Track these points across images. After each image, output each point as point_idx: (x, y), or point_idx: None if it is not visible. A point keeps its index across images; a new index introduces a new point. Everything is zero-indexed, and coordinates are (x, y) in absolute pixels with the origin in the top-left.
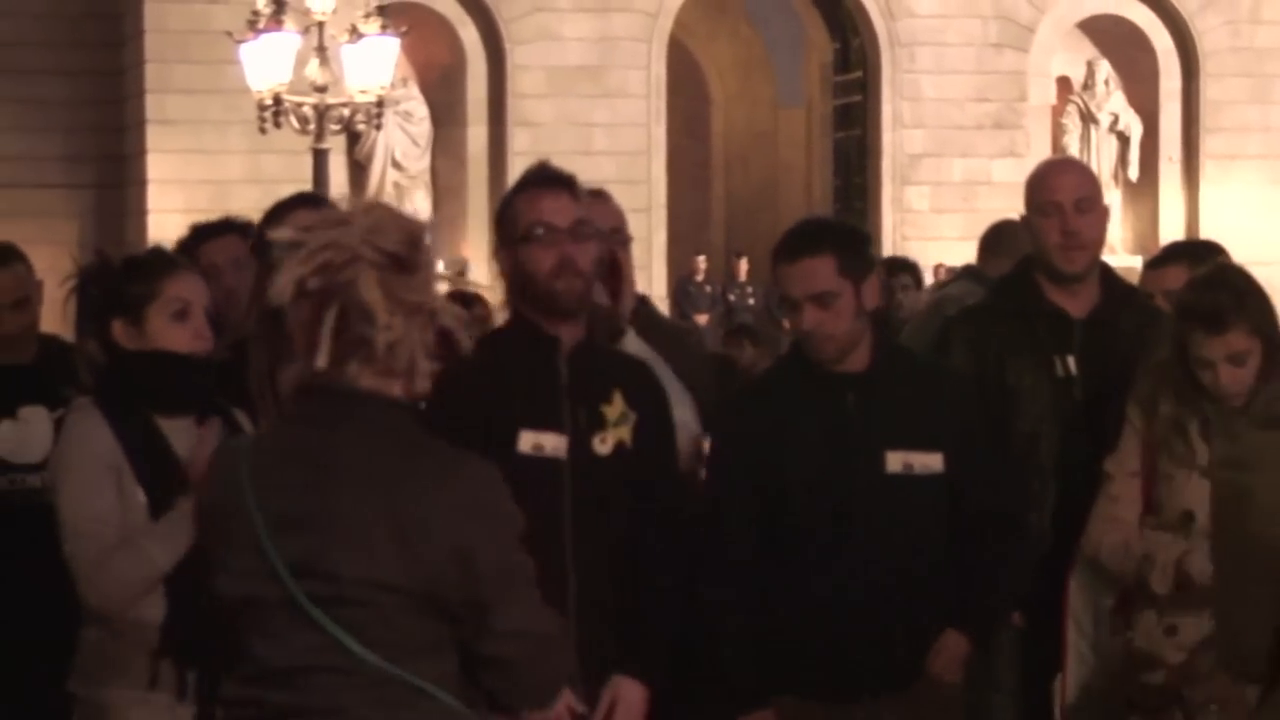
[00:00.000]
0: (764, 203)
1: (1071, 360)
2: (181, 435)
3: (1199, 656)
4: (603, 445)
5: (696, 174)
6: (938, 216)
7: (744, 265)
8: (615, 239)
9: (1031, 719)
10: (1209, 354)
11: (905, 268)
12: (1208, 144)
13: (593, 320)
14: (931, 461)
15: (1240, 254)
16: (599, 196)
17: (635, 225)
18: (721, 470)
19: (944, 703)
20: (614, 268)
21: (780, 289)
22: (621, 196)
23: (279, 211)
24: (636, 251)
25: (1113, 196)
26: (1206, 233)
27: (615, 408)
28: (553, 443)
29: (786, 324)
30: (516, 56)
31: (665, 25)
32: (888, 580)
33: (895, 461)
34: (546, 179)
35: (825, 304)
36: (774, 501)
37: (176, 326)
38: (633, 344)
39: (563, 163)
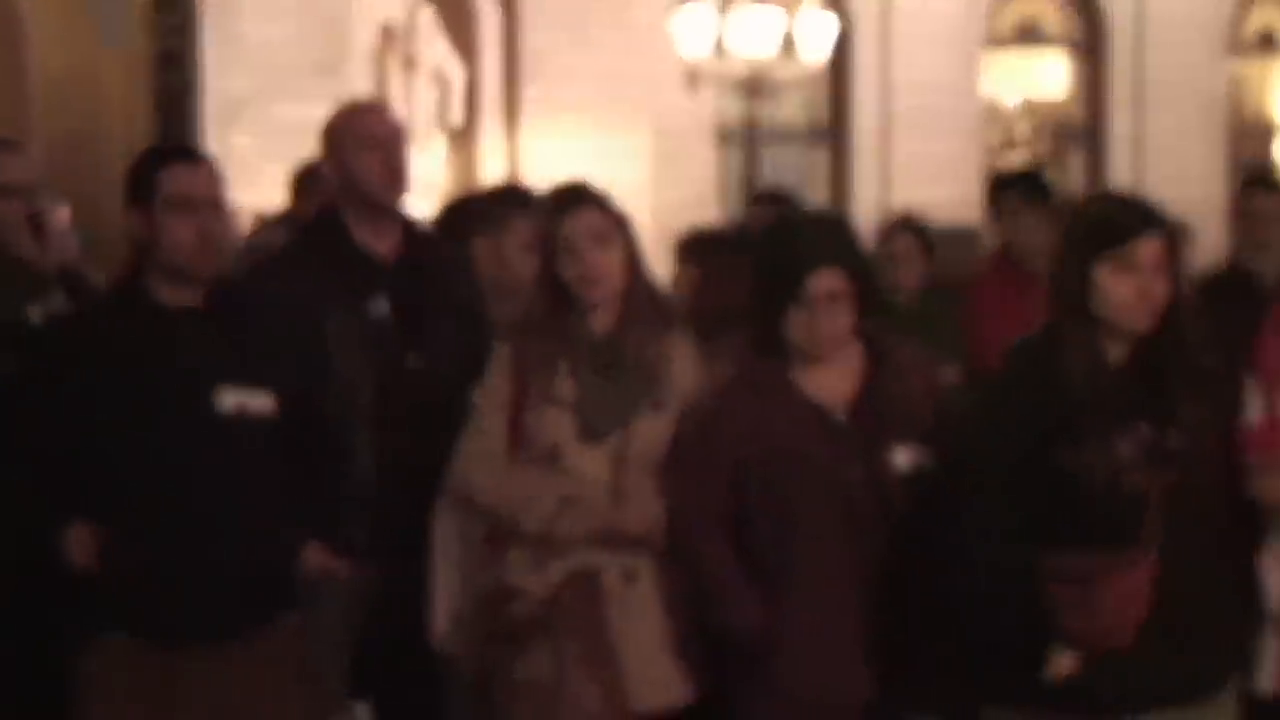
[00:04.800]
0: (85, 146)
1: (382, 302)
2: None
3: (565, 590)
4: None
5: (13, 116)
6: (264, 162)
7: (65, 213)
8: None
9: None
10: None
11: None
12: (529, 92)
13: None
14: (264, 402)
15: None
16: (12, 150)
17: None
18: (22, 403)
19: (282, 651)
20: (37, 226)
21: None
22: None
23: None
24: None
25: (436, 142)
26: (528, 179)
27: None
28: None
29: None
30: None
31: None
32: (224, 525)
33: (229, 401)
34: None
35: None
36: (98, 437)
37: None
38: (56, 303)
39: None
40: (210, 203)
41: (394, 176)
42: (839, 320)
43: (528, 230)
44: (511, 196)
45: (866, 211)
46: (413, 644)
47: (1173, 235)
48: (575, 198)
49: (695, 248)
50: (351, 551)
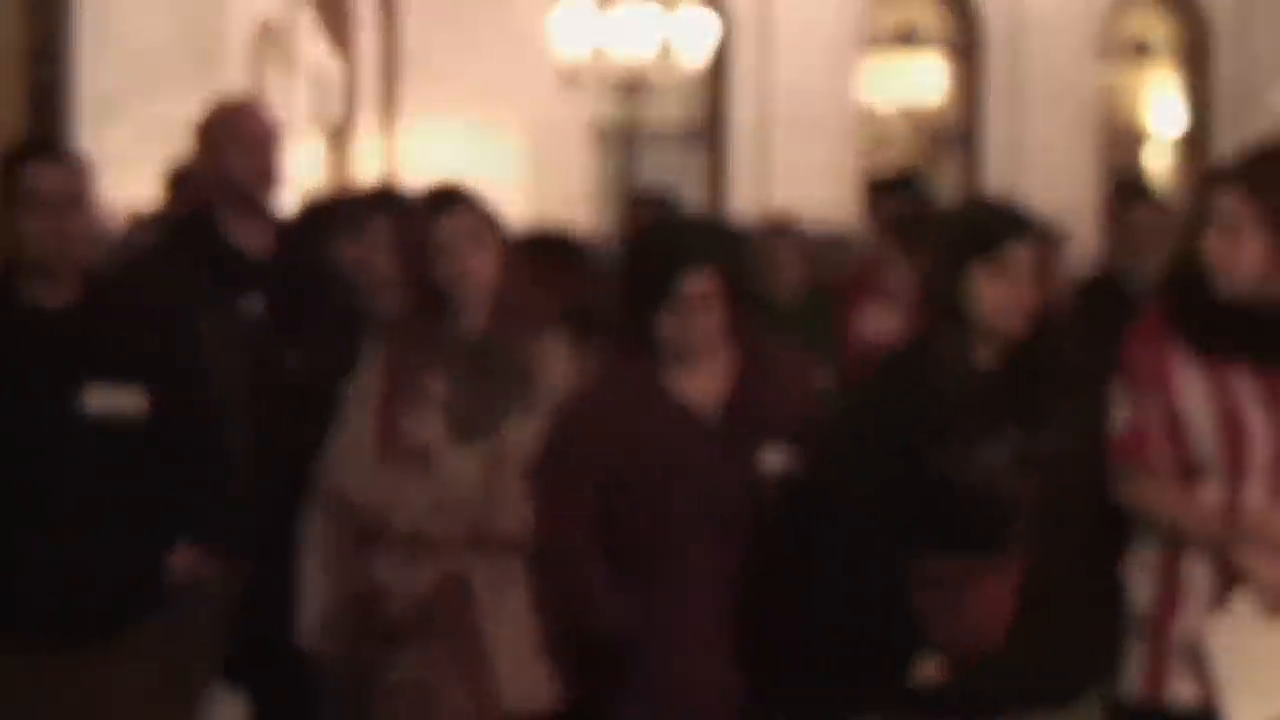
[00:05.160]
0: None
1: (257, 300)
2: None
3: (436, 592)
4: None
5: None
6: (139, 159)
7: None
8: None
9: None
10: None
11: None
12: (407, 91)
13: None
14: (134, 401)
15: None
16: None
17: None
18: None
19: (148, 653)
20: None
21: None
22: None
23: None
24: None
25: (314, 140)
26: (405, 178)
27: None
28: None
29: None
30: None
31: None
32: (90, 525)
33: (97, 400)
34: None
35: None
36: None
37: None
38: None
39: None
40: (71, 200)
41: (268, 175)
42: (711, 321)
43: (388, 232)
44: (373, 198)
45: (744, 213)
46: (284, 643)
47: (1046, 240)
48: (449, 199)
49: (525, 248)
50: (223, 551)
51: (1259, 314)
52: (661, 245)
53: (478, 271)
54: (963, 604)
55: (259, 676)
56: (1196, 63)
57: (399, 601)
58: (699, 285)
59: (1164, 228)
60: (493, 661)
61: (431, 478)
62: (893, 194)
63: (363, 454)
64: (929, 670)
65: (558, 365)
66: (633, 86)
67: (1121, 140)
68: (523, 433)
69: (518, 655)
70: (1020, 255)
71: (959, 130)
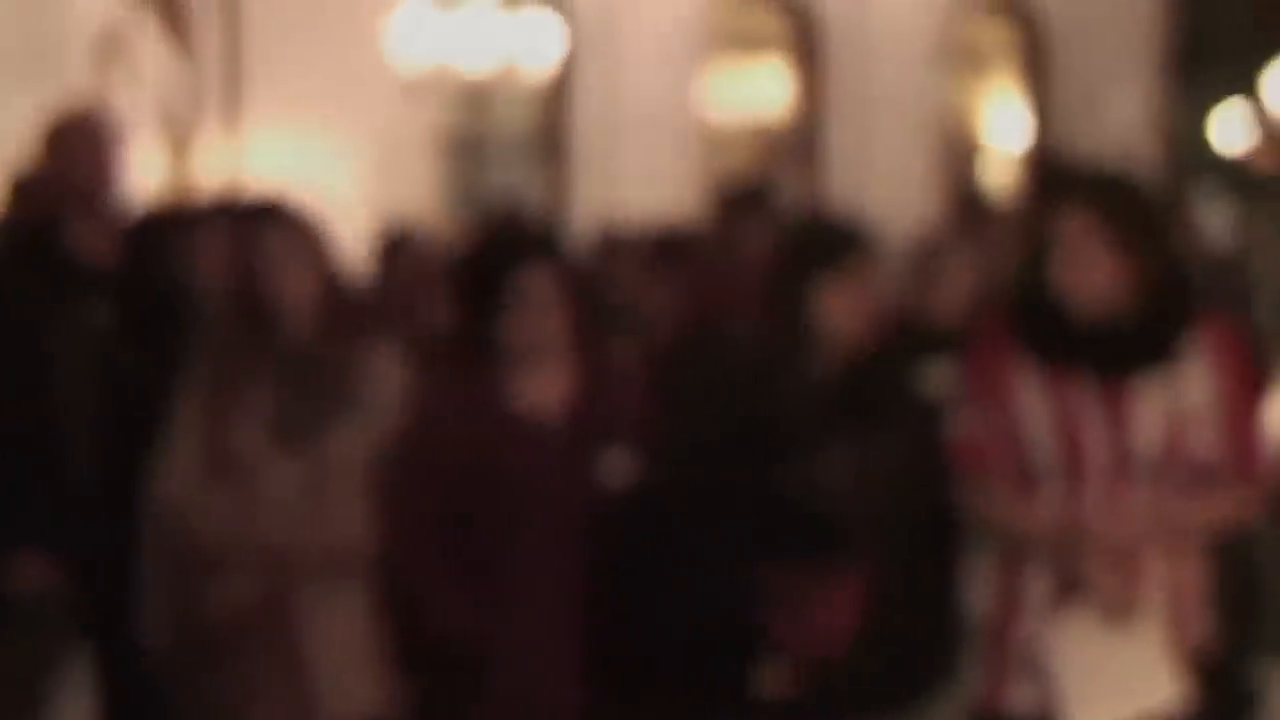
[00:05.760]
0: None
1: (101, 308)
2: None
3: (258, 604)
4: None
5: None
6: None
7: None
8: None
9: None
10: None
11: None
12: (251, 97)
13: None
14: None
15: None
16: None
17: None
18: None
19: (12, 655)
20: None
21: None
22: None
23: None
24: None
25: (157, 146)
26: (250, 185)
27: None
28: None
29: None
30: None
31: None
32: None
33: None
34: None
35: None
36: None
37: None
38: None
39: None
40: None
41: (111, 180)
42: (551, 322)
43: (222, 240)
44: (213, 206)
45: (588, 222)
46: (129, 647)
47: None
48: (270, 212)
49: None
50: (66, 560)
51: (1105, 329)
52: (499, 247)
53: (299, 285)
54: (807, 612)
55: (104, 680)
56: (1037, 72)
57: (219, 612)
58: (538, 285)
59: (1007, 240)
60: (313, 671)
61: (253, 488)
62: (738, 209)
63: (188, 464)
64: (775, 679)
65: (388, 375)
66: (476, 97)
67: (964, 150)
68: (348, 443)
69: (342, 664)
70: (865, 267)
71: (801, 137)
